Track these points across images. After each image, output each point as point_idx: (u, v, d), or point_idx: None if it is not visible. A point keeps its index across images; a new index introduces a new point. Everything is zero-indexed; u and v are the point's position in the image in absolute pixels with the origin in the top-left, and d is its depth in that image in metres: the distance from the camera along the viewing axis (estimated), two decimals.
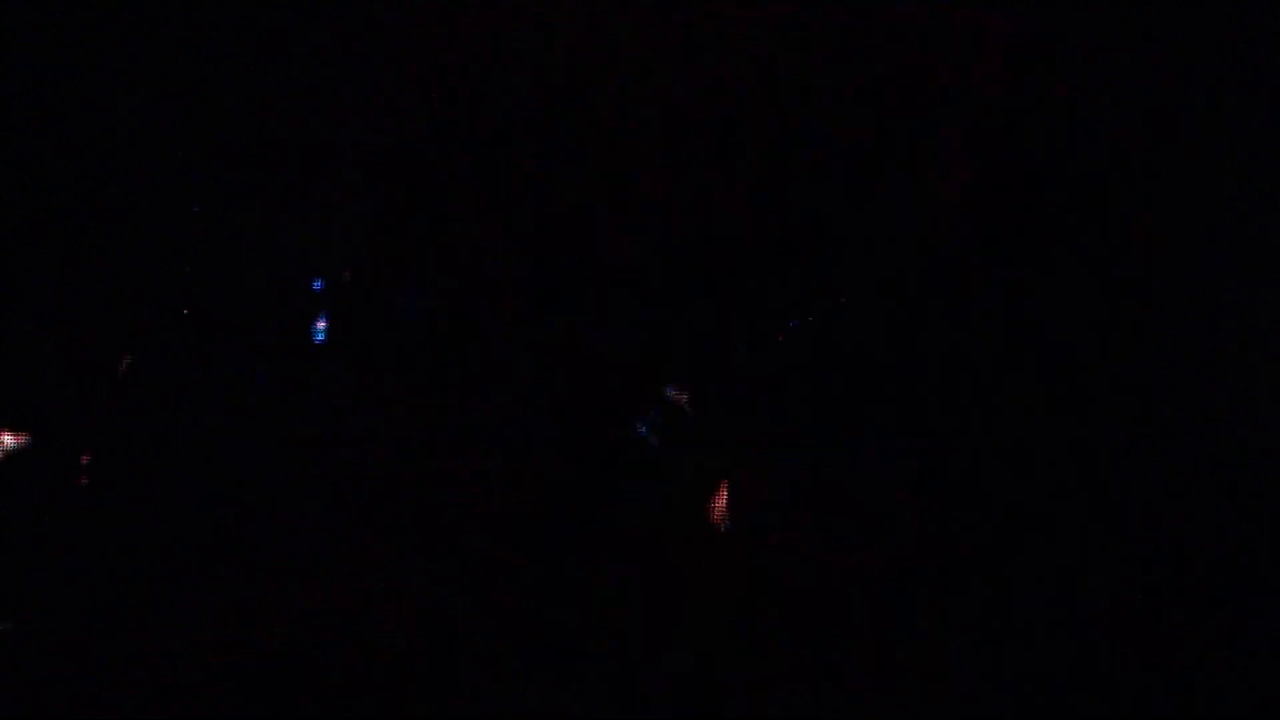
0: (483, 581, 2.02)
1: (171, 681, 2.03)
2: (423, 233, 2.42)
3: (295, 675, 2.05)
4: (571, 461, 2.10)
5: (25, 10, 2.23)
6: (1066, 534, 1.76)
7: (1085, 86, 2.01)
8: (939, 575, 1.78)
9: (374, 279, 2.40)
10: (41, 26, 2.25)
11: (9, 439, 2.09)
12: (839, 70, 2.24)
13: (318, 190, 2.40)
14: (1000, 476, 1.81)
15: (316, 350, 2.35)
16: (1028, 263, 1.92)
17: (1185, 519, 1.74)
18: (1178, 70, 1.98)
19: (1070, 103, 2.00)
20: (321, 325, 2.33)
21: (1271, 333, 1.81)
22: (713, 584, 1.83)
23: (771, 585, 1.81)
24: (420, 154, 2.42)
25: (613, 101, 2.39)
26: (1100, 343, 1.86)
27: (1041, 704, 1.70)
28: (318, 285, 2.35)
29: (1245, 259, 1.86)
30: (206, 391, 2.24)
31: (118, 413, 2.17)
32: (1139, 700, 1.68)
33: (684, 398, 1.81)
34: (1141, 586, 1.73)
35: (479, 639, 2.01)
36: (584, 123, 2.40)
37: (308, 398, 2.31)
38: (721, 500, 1.82)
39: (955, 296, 1.93)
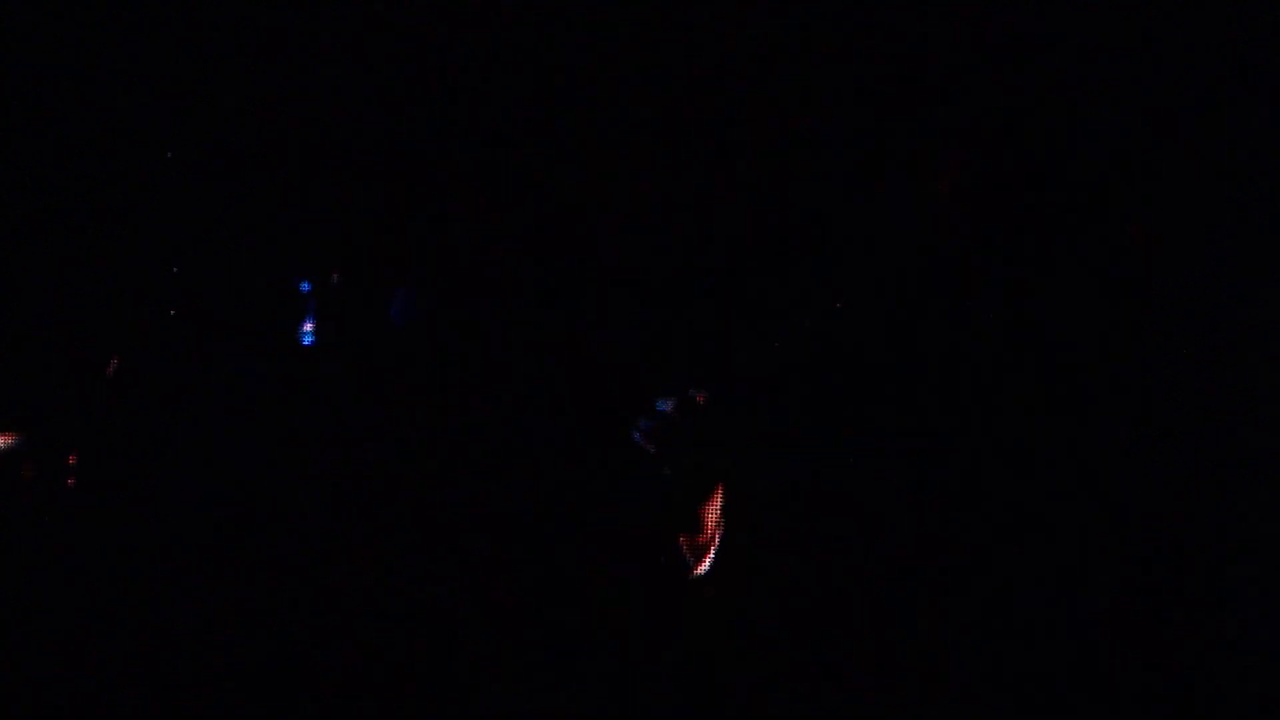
0: (483, 581, 2.02)
1: (171, 681, 2.03)
2: (421, 232, 2.42)
3: (295, 675, 2.05)
4: (571, 461, 2.10)
5: (18, 8, 2.23)
6: (1066, 534, 1.76)
7: (1085, 86, 2.01)
8: (939, 575, 1.78)
9: (371, 278, 2.40)
10: (32, 25, 2.24)
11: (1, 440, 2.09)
12: (839, 70, 2.24)
13: (313, 188, 2.40)
14: (1000, 476, 1.80)
15: (313, 350, 2.34)
16: (1028, 263, 1.92)
17: (1185, 519, 1.74)
18: (1178, 70, 1.98)
19: (1070, 103, 2.00)
20: (309, 327, 2.33)
21: (1272, 333, 1.80)
22: (712, 584, 1.83)
23: (771, 585, 1.81)
24: (418, 153, 2.42)
25: (612, 100, 2.39)
26: (1100, 343, 1.86)
27: (1041, 704, 1.70)
28: (305, 286, 2.35)
29: (1245, 259, 1.86)
30: (203, 392, 2.24)
31: (111, 413, 2.16)
32: (1139, 700, 1.68)
33: (680, 400, 1.81)
34: (1141, 586, 1.73)
35: (479, 639, 2.01)
36: (583, 122, 2.40)
37: (306, 398, 2.31)
38: (720, 501, 1.82)
39: (955, 296, 1.92)
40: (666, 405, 1.81)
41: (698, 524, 1.82)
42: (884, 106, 2.17)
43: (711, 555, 1.81)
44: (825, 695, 1.78)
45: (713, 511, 1.81)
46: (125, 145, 2.29)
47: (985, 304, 1.91)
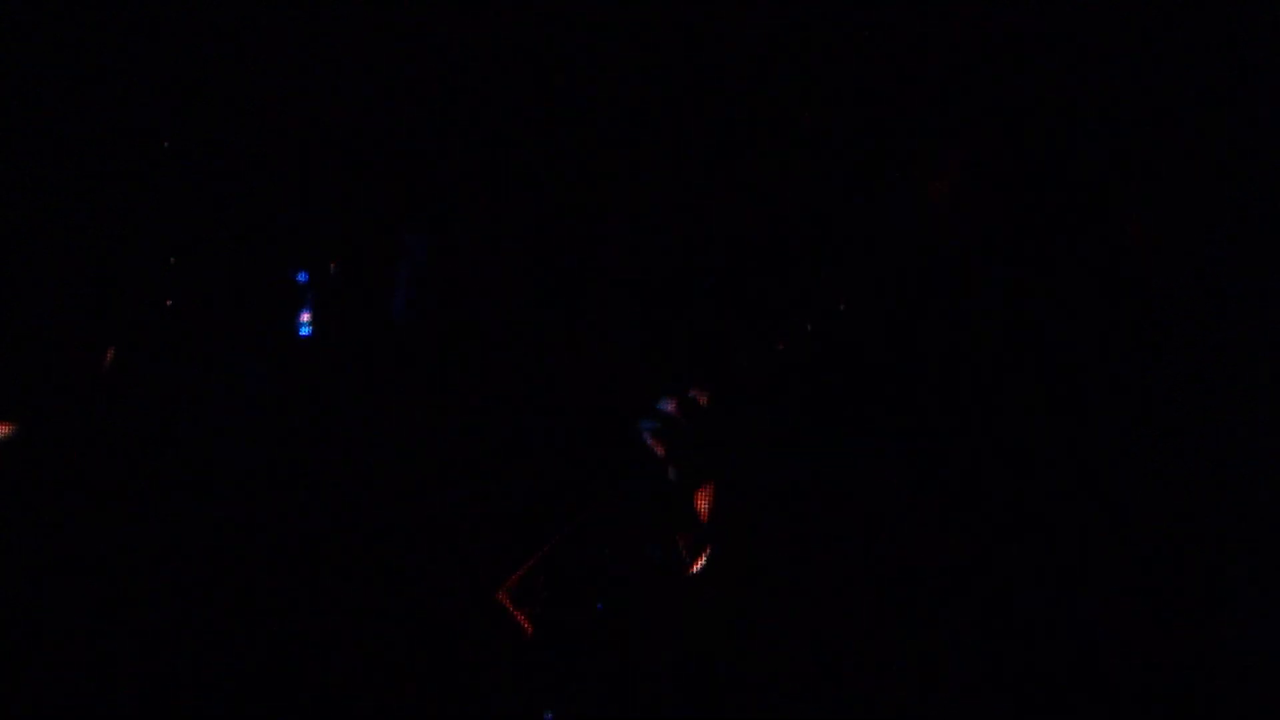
0: (483, 581, 2.02)
1: (170, 681, 2.03)
2: (421, 229, 2.41)
3: (295, 675, 2.05)
4: (571, 461, 2.10)
5: (19, 5, 2.22)
6: (1066, 534, 1.76)
7: (1085, 87, 2.01)
8: (939, 575, 1.78)
9: (369, 274, 2.40)
10: (31, 18, 2.24)
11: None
12: (839, 70, 2.24)
13: (313, 182, 2.40)
14: (1000, 476, 1.81)
15: (311, 344, 2.34)
16: (1028, 263, 1.92)
17: (1185, 519, 1.74)
18: (1178, 70, 1.98)
19: (1070, 103, 2.00)
20: (306, 318, 2.32)
21: (1272, 333, 1.81)
22: (713, 584, 1.83)
23: (771, 585, 1.81)
24: (418, 153, 2.42)
25: (612, 100, 2.39)
26: (1100, 343, 1.86)
27: (1041, 704, 1.70)
28: (303, 277, 2.34)
29: (1245, 259, 1.86)
30: (200, 384, 2.23)
31: (107, 405, 2.15)
32: (1139, 700, 1.68)
33: (682, 401, 1.81)
34: (1141, 587, 1.73)
35: (479, 639, 2.01)
36: (583, 121, 2.40)
37: (304, 393, 2.31)
38: (721, 501, 1.82)
39: (955, 296, 1.93)
40: (668, 406, 1.81)
41: (698, 524, 1.83)
42: (884, 106, 2.17)
43: (712, 555, 1.82)
44: (825, 695, 1.78)
45: (714, 511, 1.81)
46: (123, 136, 2.29)
47: (985, 304, 1.91)
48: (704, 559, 1.83)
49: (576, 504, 1.97)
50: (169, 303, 2.25)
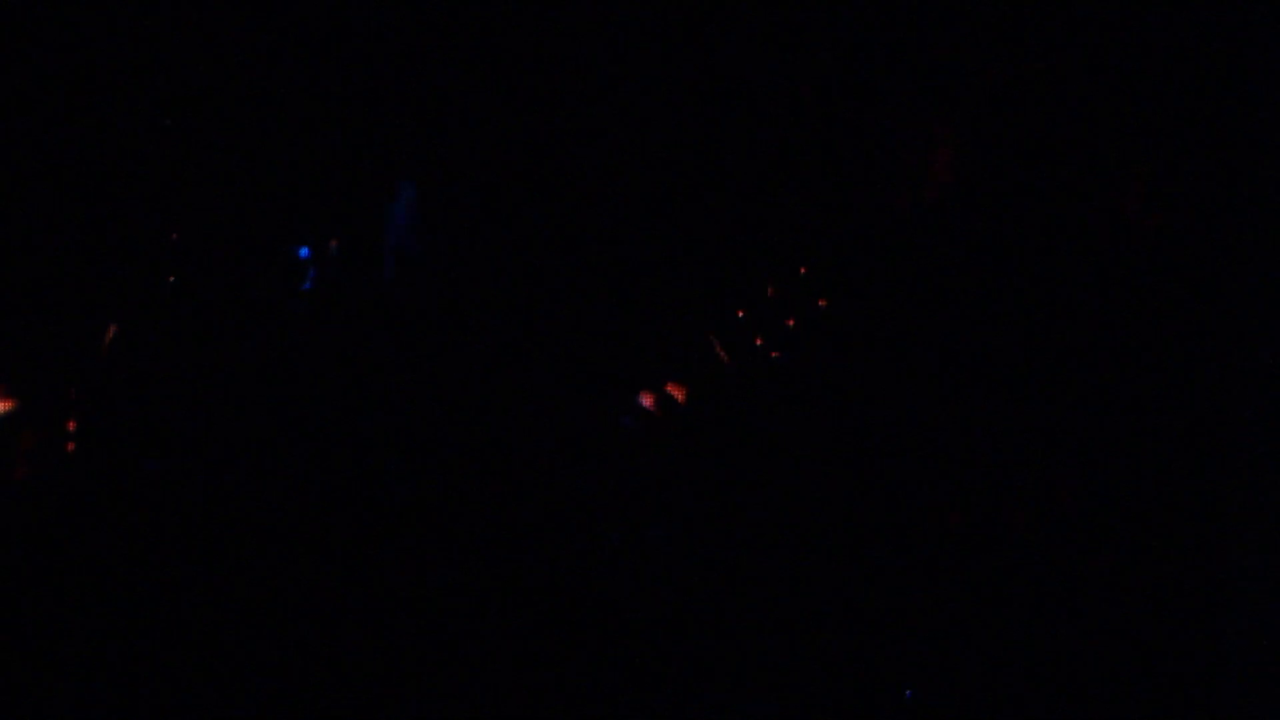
0: (481, 580, 2.03)
1: (167, 680, 2.03)
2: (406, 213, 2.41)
3: (294, 674, 2.05)
4: (570, 461, 2.10)
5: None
6: (1066, 533, 1.77)
7: (1086, 83, 2.01)
8: (935, 573, 1.79)
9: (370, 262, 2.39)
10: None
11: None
12: (835, 59, 2.24)
13: (311, 161, 2.39)
14: (998, 474, 1.81)
15: (306, 326, 2.33)
16: (1026, 261, 1.92)
17: (1186, 518, 1.75)
18: (1178, 66, 1.98)
19: (1070, 100, 2.00)
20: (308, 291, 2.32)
21: (1273, 332, 1.81)
22: (711, 583, 1.84)
23: (773, 585, 1.82)
24: (408, 146, 2.41)
25: (598, 87, 2.38)
26: (1100, 340, 1.87)
27: (1041, 704, 1.71)
28: (304, 252, 2.34)
29: (1246, 259, 1.86)
30: (201, 362, 2.23)
31: (109, 381, 2.14)
32: (1139, 700, 1.70)
33: (676, 395, 1.81)
34: (1141, 586, 1.74)
35: (478, 639, 2.01)
36: (567, 108, 2.39)
37: (300, 374, 2.30)
38: (705, 492, 1.83)
39: (954, 292, 1.93)
40: (646, 400, 1.81)
41: (683, 512, 1.83)
42: (880, 95, 2.17)
43: (698, 546, 1.82)
44: (825, 694, 1.79)
45: (700, 502, 1.82)
46: (124, 111, 2.27)
47: (982, 297, 1.91)
48: (690, 549, 1.84)
49: (562, 494, 1.98)
50: (171, 279, 2.24)
